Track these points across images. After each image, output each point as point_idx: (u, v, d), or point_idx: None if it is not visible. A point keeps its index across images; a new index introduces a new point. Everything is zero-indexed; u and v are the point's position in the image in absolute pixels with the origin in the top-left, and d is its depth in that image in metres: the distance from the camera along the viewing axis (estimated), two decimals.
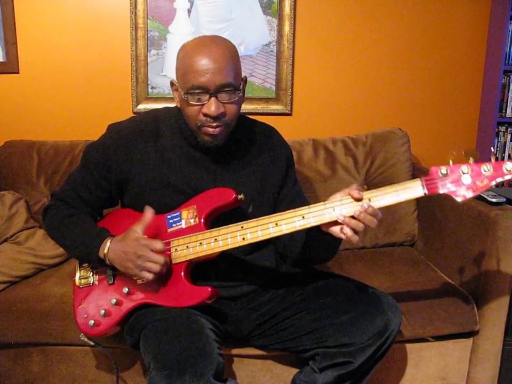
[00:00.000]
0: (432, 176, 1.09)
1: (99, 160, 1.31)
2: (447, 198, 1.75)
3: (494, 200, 1.57)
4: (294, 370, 1.41)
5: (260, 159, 1.36)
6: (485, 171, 1.06)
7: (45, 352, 1.51)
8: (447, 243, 1.76)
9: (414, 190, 1.09)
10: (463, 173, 1.07)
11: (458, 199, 1.07)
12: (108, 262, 1.23)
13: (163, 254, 1.17)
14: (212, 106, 1.17)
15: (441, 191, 1.08)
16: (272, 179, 1.36)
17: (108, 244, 1.22)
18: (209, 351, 1.08)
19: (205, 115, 1.19)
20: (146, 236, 1.19)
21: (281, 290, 1.35)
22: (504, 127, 2.41)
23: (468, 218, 1.63)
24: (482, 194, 1.62)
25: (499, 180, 1.06)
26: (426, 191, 1.08)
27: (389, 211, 2.01)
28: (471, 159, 1.08)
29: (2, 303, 1.54)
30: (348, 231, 1.09)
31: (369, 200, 1.09)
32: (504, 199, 1.58)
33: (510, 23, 2.25)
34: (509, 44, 2.27)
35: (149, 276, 1.17)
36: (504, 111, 2.35)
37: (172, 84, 1.28)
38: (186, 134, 1.29)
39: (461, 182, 1.07)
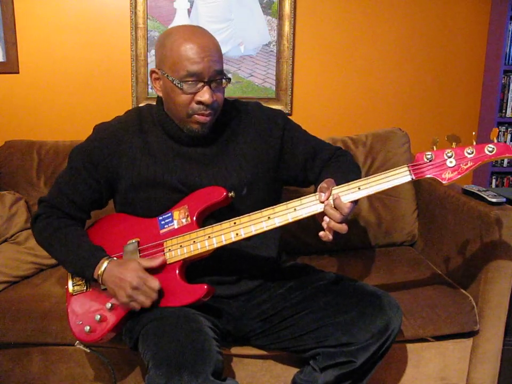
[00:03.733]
0: (417, 161, 1.12)
1: (87, 160, 1.30)
2: (447, 198, 1.77)
3: (494, 200, 1.57)
4: (294, 370, 1.41)
5: (248, 139, 1.33)
6: (468, 154, 1.11)
7: (45, 352, 1.51)
8: (447, 243, 1.76)
9: (401, 176, 1.12)
10: (448, 157, 1.11)
11: (445, 182, 1.11)
12: (100, 282, 1.23)
13: (157, 292, 1.18)
14: (206, 95, 1.18)
15: (427, 176, 1.11)
16: (265, 156, 1.33)
17: (105, 265, 1.21)
18: (207, 349, 1.08)
19: (199, 103, 1.20)
20: (145, 271, 1.19)
21: (281, 290, 1.35)
22: (504, 127, 2.41)
23: (467, 218, 1.63)
24: (482, 194, 1.62)
25: (482, 161, 1.10)
26: (413, 176, 1.11)
27: (389, 211, 2.01)
28: (453, 143, 1.12)
29: (2, 303, 1.54)
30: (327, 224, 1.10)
31: (359, 188, 1.12)
32: (504, 199, 1.58)
33: (510, 23, 2.25)
34: (509, 44, 2.27)
35: (136, 307, 1.19)
36: (504, 111, 2.36)
37: (153, 72, 1.26)
38: (168, 129, 1.29)
39: (446, 166, 1.11)
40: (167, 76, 1.21)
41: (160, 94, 1.27)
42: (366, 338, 1.20)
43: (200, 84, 1.19)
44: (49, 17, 2.18)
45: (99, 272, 1.21)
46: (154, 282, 1.17)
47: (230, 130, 1.33)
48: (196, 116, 1.21)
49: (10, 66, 2.20)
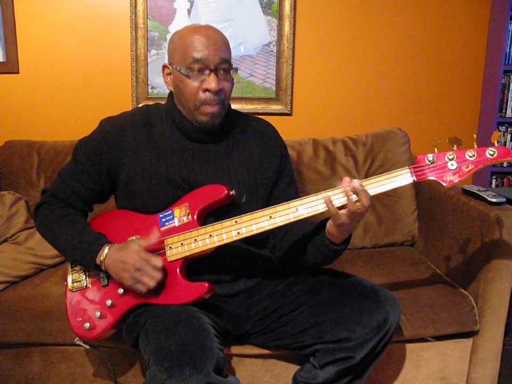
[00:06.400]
0: (419, 163, 1.13)
1: (91, 153, 1.31)
2: (447, 198, 1.77)
3: (494, 200, 1.57)
4: (294, 370, 1.41)
5: (253, 150, 1.36)
6: (469, 156, 1.12)
7: (45, 352, 1.51)
8: (447, 243, 1.76)
9: (403, 177, 1.13)
10: (449, 159, 1.12)
11: (446, 185, 1.12)
12: (103, 268, 1.23)
13: (160, 270, 1.18)
14: (212, 82, 1.21)
15: (429, 178, 1.12)
16: (265, 170, 1.36)
17: (106, 250, 1.22)
18: (209, 345, 1.09)
19: (205, 91, 1.22)
20: (145, 250, 1.20)
21: (279, 286, 1.35)
22: (504, 127, 2.41)
23: (467, 218, 1.63)
24: (482, 194, 1.62)
25: (483, 164, 1.12)
26: (414, 178, 1.12)
27: (389, 211, 2.01)
28: (455, 146, 1.13)
29: (2, 303, 1.54)
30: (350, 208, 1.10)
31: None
32: (504, 199, 1.58)
33: (510, 23, 2.25)
34: (509, 44, 2.27)
35: (142, 290, 1.18)
36: (504, 111, 2.36)
37: (164, 67, 1.31)
38: (178, 121, 1.30)
39: (447, 168, 1.12)
40: (176, 67, 1.24)
41: (171, 88, 1.31)
42: (365, 333, 1.20)
43: (207, 72, 1.22)
44: (49, 17, 2.18)
45: (101, 258, 1.21)
46: (157, 261, 1.17)
47: (237, 136, 1.36)
48: (204, 106, 1.23)
49: (10, 66, 2.20)
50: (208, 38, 1.22)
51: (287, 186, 1.41)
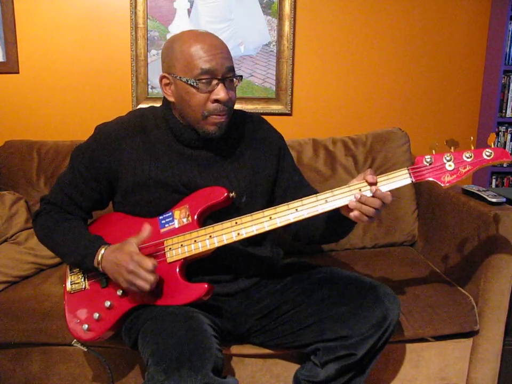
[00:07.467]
0: (417, 165, 1.15)
1: (88, 161, 1.30)
2: (447, 198, 1.77)
3: (494, 200, 1.57)
4: (294, 370, 1.41)
5: (250, 149, 1.36)
6: (466, 157, 1.14)
7: (45, 352, 1.51)
8: (447, 243, 1.76)
9: (401, 178, 1.14)
10: (447, 161, 1.14)
11: (443, 185, 1.13)
12: (101, 270, 1.23)
13: (154, 272, 1.16)
14: (222, 92, 1.19)
15: (427, 179, 1.14)
16: (264, 168, 1.36)
17: (102, 252, 1.22)
18: (207, 346, 1.09)
19: (215, 101, 1.20)
20: (139, 252, 1.18)
21: (279, 285, 1.36)
22: (504, 127, 2.41)
23: (467, 218, 1.63)
24: (482, 194, 1.62)
25: (480, 165, 1.14)
26: (413, 179, 1.14)
27: (389, 211, 2.01)
28: (452, 147, 1.15)
29: (2, 303, 1.54)
30: (356, 214, 1.13)
31: (360, 190, 1.14)
32: (504, 199, 1.58)
33: (510, 23, 2.25)
34: (509, 44, 2.27)
35: (137, 292, 1.18)
36: (504, 111, 2.35)
37: (163, 78, 1.25)
38: (175, 130, 1.29)
39: (445, 169, 1.14)
40: (180, 78, 1.21)
41: (172, 99, 1.26)
42: (365, 330, 1.21)
43: (215, 82, 1.20)
44: (49, 17, 2.18)
45: (98, 260, 1.21)
46: (147, 262, 1.14)
47: (233, 137, 1.35)
48: (212, 116, 1.22)
49: (10, 66, 2.20)
50: (214, 46, 1.20)
51: (291, 174, 1.41)
